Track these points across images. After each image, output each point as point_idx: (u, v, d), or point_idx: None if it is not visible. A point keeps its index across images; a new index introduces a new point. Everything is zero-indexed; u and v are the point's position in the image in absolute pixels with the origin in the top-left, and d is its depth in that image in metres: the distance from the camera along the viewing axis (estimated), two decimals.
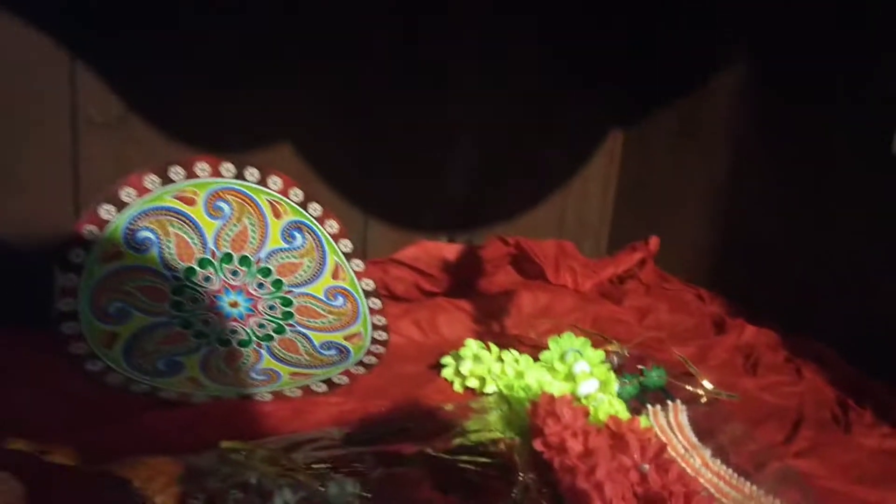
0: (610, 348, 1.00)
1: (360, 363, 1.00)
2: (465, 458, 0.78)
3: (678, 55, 1.38)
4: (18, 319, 0.92)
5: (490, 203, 1.36)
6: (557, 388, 0.89)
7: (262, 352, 0.99)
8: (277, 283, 1.05)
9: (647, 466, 0.71)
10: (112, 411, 0.84)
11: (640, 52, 1.41)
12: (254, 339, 1.00)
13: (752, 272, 1.28)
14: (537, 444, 0.75)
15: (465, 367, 0.95)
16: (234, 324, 1.00)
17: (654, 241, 1.40)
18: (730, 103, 1.29)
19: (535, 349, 1.00)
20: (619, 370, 0.97)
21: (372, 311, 1.09)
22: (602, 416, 0.82)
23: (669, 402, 0.90)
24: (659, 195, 1.44)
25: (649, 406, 0.89)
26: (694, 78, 1.36)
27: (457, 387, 0.96)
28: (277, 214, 1.07)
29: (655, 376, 0.96)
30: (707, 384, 0.99)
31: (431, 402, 0.92)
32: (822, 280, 1.17)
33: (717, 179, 1.33)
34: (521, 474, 0.75)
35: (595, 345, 0.99)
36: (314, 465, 0.74)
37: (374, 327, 1.07)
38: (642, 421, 0.81)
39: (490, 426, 0.86)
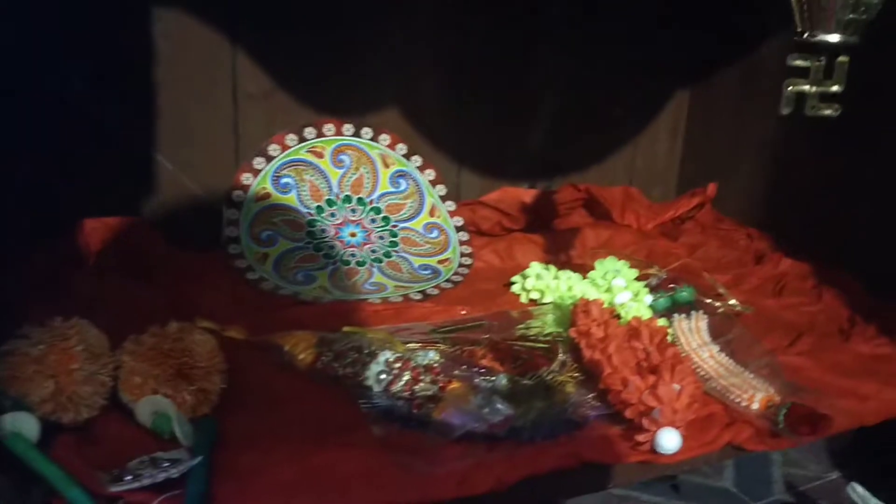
0: (650, 271, 1.23)
1: (449, 280, 1.28)
2: (519, 343, 1.05)
3: (739, 19, 1.54)
4: (197, 244, 1.25)
5: (567, 154, 1.58)
6: (597, 297, 1.14)
7: (374, 270, 1.27)
8: (386, 219, 1.33)
9: (651, 348, 0.95)
10: (266, 307, 1.15)
11: (705, 18, 1.57)
12: (368, 260, 1.28)
13: (797, 214, 1.44)
14: (571, 332, 1.01)
15: (529, 283, 1.21)
16: (353, 249, 1.29)
17: (711, 187, 1.59)
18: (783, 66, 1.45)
19: (585, 271, 1.24)
20: (655, 288, 1.20)
21: (460, 242, 1.36)
22: (630, 318, 1.06)
23: (693, 312, 1.13)
24: (720, 146, 1.62)
25: (675, 315, 1.12)
26: (753, 41, 1.52)
27: (522, 298, 1.22)
28: (386, 164, 1.35)
29: (685, 293, 1.18)
30: (732, 301, 1.20)
31: (502, 309, 1.18)
32: (856, 221, 1.33)
33: (769, 133, 1.50)
34: (560, 354, 1.01)
35: (638, 269, 1.22)
36: (408, 343, 1.03)
37: (462, 255, 1.34)
38: (659, 322, 1.05)
39: (546, 325, 1.12)
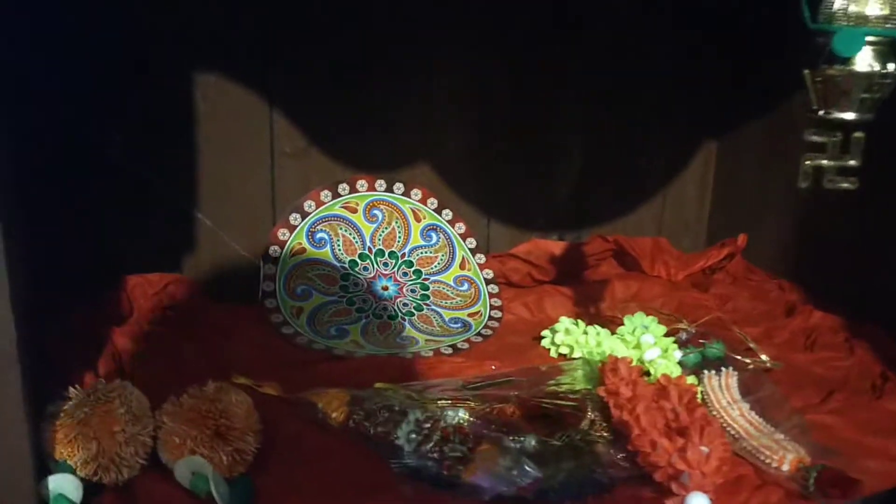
0: (680, 326, 1.24)
1: (479, 334, 1.30)
2: (549, 400, 1.06)
3: (767, 76, 1.56)
4: (236, 299, 1.29)
5: (595, 206, 1.59)
6: (626, 354, 1.15)
7: (406, 323, 1.30)
8: (417, 272, 1.36)
9: (680, 408, 0.95)
10: (300, 361, 1.18)
11: (735, 73, 1.59)
12: (399, 314, 1.31)
13: (827, 265, 1.43)
14: (600, 391, 1.02)
15: (559, 338, 1.22)
16: (385, 302, 1.32)
17: (742, 238, 1.59)
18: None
19: (619, 326, 1.25)
20: (685, 343, 1.21)
21: (490, 294, 1.38)
22: (658, 376, 1.07)
23: (724, 369, 1.13)
24: (750, 196, 1.62)
25: (706, 371, 1.12)
26: (781, 93, 1.53)
27: (552, 353, 1.23)
28: (418, 219, 1.38)
29: (715, 349, 1.19)
30: (763, 356, 1.21)
31: (531, 364, 1.19)
32: (888, 272, 1.33)
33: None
34: (589, 413, 1.02)
35: (667, 323, 1.23)
36: (439, 401, 1.04)
37: (492, 307, 1.36)
38: (688, 379, 1.06)
39: (575, 381, 1.13)
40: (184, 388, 0.92)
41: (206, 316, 1.23)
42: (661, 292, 1.45)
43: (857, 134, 0.77)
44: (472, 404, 1.03)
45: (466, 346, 1.26)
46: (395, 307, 1.31)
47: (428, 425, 0.92)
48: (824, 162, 0.77)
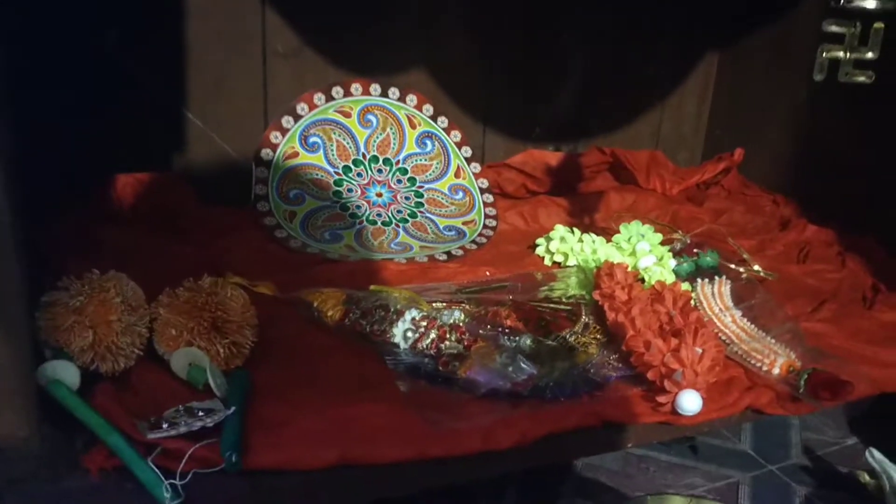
0: (675, 236, 1.24)
1: (474, 242, 1.29)
2: (543, 305, 1.06)
3: None
4: (227, 200, 1.27)
5: (593, 118, 1.57)
6: (621, 260, 1.15)
7: (400, 230, 1.29)
8: (412, 180, 1.35)
9: (674, 312, 0.96)
10: (294, 264, 1.17)
11: None
12: (393, 220, 1.30)
13: (823, 180, 1.43)
14: (595, 294, 1.02)
15: (553, 246, 1.22)
16: (379, 209, 1.31)
17: (738, 152, 1.58)
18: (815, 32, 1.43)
19: (609, 234, 1.24)
20: (679, 252, 1.21)
21: (485, 204, 1.37)
22: (653, 282, 1.07)
23: (717, 277, 1.13)
24: (748, 111, 1.61)
25: (699, 279, 1.13)
26: (784, 8, 1.50)
27: (546, 261, 1.23)
28: (413, 125, 1.36)
29: (709, 258, 1.19)
30: (756, 267, 1.21)
31: (526, 271, 1.19)
32: (883, 186, 1.33)
33: (800, 98, 1.48)
34: (583, 316, 1.02)
35: (663, 234, 1.23)
36: (434, 303, 1.04)
37: (487, 216, 1.35)
38: (683, 286, 1.06)
39: (569, 287, 1.13)
40: (179, 282, 0.91)
41: (199, 216, 1.22)
42: (657, 204, 1.45)
43: (878, 24, 0.74)
44: (468, 307, 1.03)
45: (461, 252, 1.26)
46: (390, 214, 1.30)
47: (424, 324, 0.92)
48: (841, 54, 0.75)
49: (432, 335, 0.91)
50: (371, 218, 1.29)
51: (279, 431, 0.78)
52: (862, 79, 0.77)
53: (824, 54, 0.76)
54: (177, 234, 1.16)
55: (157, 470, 0.71)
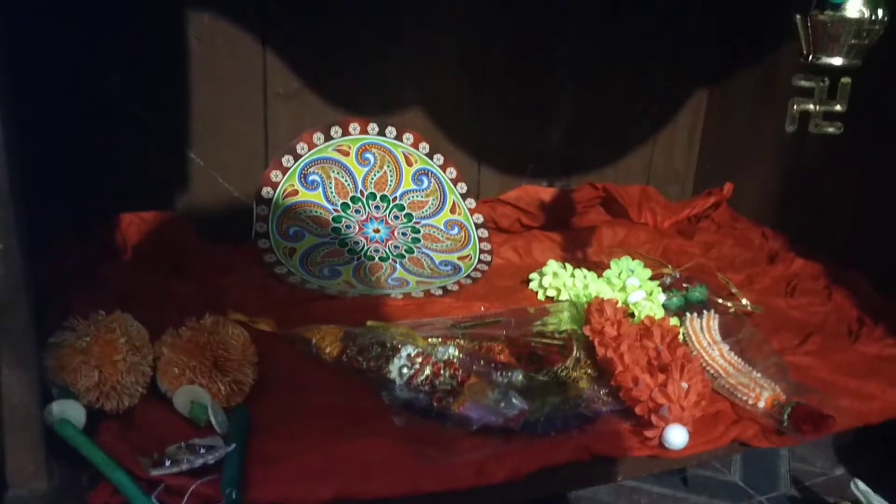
0: (664, 270, 1.27)
1: (469, 277, 1.32)
2: (536, 339, 1.09)
3: (757, 28, 1.56)
4: (229, 239, 1.30)
5: (585, 153, 1.61)
6: (611, 296, 1.18)
7: (397, 266, 1.32)
8: (409, 216, 1.38)
9: (662, 347, 0.99)
10: (293, 300, 1.20)
11: (726, 24, 1.60)
12: (391, 256, 1.33)
13: (810, 214, 1.46)
14: (586, 330, 1.05)
15: (546, 281, 1.25)
16: (377, 245, 1.34)
17: (727, 187, 1.62)
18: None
19: (601, 270, 1.28)
20: (669, 287, 1.24)
21: (480, 239, 1.41)
22: (643, 317, 1.10)
23: (705, 312, 1.16)
24: (737, 146, 1.64)
25: (688, 314, 1.15)
26: (771, 45, 1.54)
27: (540, 296, 1.26)
28: (410, 163, 1.39)
29: (698, 293, 1.22)
30: (744, 301, 1.24)
31: (519, 306, 1.22)
32: (866, 222, 1.36)
33: (786, 135, 1.51)
34: (575, 351, 1.05)
35: (653, 268, 1.26)
36: (429, 338, 1.07)
37: (481, 251, 1.38)
38: (672, 321, 1.09)
39: (561, 322, 1.16)
40: (181, 321, 0.95)
41: (200, 255, 1.25)
42: (648, 238, 1.48)
43: (845, 79, 0.79)
44: (462, 342, 1.06)
45: (456, 287, 1.29)
46: (387, 249, 1.34)
47: (419, 360, 0.95)
48: (811, 106, 0.79)
49: (427, 371, 0.94)
50: (369, 254, 1.32)
51: (278, 467, 0.80)
52: (831, 130, 0.81)
53: (795, 107, 0.79)
54: (179, 271, 1.19)
55: None
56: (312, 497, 0.78)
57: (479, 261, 1.36)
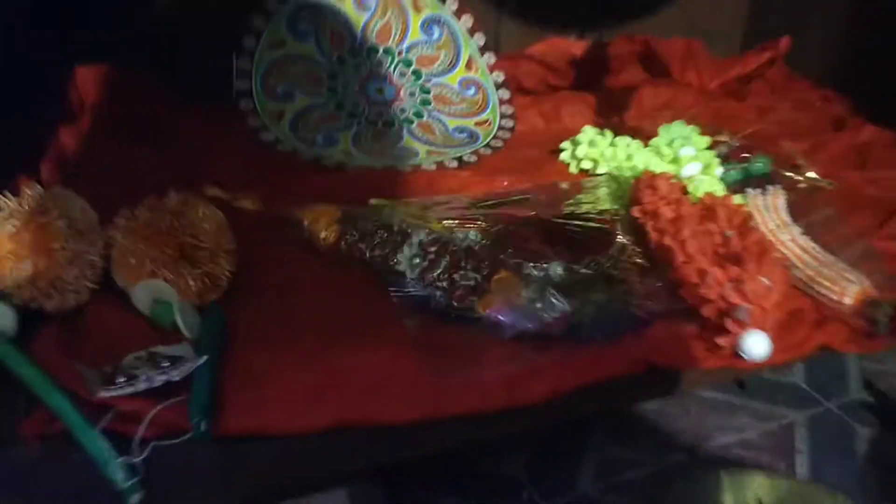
0: (720, 138, 1.08)
1: (488, 146, 1.13)
2: (572, 222, 0.91)
3: None
4: (204, 97, 1.10)
5: (618, 1, 1.39)
6: (662, 169, 0.99)
7: (404, 132, 1.13)
8: (417, 73, 1.17)
9: (731, 232, 0.81)
10: (282, 173, 1.02)
11: None
12: (396, 121, 1.13)
13: (880, 74, 1.27)
14: (635, 211, 0.87)
15: (581, 151, 1.06)
16: (380, 107, 1.14)
17: (784, 42, 1.39)
18: None
19: (650, 139, 1.08)
20: (726, 158, 1.05)
21: (501, 101, 1.20)
22: (701, 194, 0.92)
23: (769, 187, 0.98)
24: None
25: (749, 189, 0.97)
26: None
27: (572, 168, 1.07)
28: (418, 8, 1.17)
29: (760, 164, 1.03)
30: (811, 174, 1.05)
31: (549, 180, 1.04)
32: None
33: None
34: (619, 236, 0.87)
35: (706, 135, 1.06)
36: (444, 221, 0.89)
37: (502, 116, 1.18)
38: (735, 198, 0.91)
39: (599, 201, 0.98)
40: (141, 198, 0.76)
41: (171, 116, 1.05)
42: (695, 101, 1.27)
43: None
44: (484, 225, 0.88)
45: (474, 158, 1.10)
46: (392, 113, 1.14)
47: (434, 248, 0.78)
48: None
49: (444, 262, 0.76)
50: (370, 118, 1.12)
51: (260, 386, 0.64)
52: None
53: None
54: (143, 138, 0.99)
55: (108, 442, 0.58)
56: (304, 424, 0.63)
57: (500, 127, 1.17)
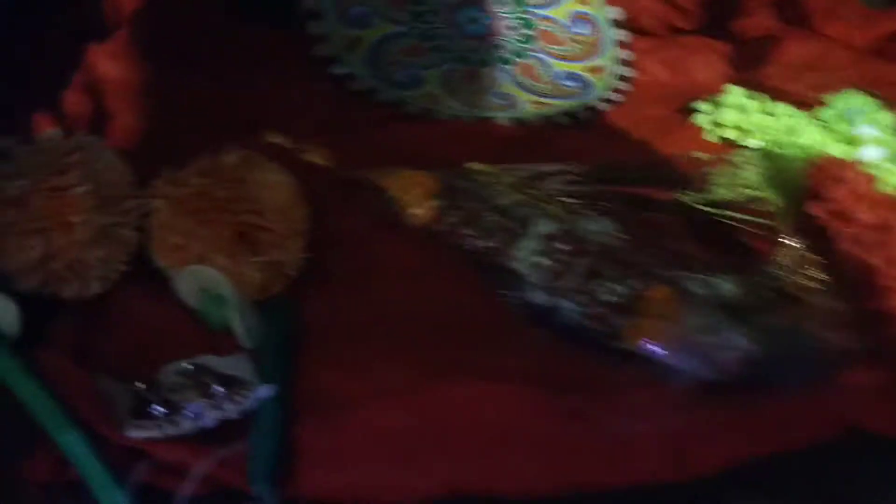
0: None
1: (605, 99, 0.94)
2: (726, 213, 0.72)
3: None
4: (263, 18, 0.92)
5: None
6: (833, 150, 0.79)
7: (501, 74, 0.93)
8: (518, 2, 0.97)
9: None
10: (357, 118, 0.84)
11: None
12: (492, 59, 0.94)
13: None
14: (815, 209, 0.68)
15: (727, 116, 0.86)
16: (473, 42, 0.94)
17: None
18: None
19: (798, 105, 0.88)
20: None
21: (619, 44, 1.00)
22: (889, 188, 0.72)
23: None
24: None
25: None
26: None
27: (711, 136, 0.87)
28: None
29: None
30: None
31: (679, 149, 0.85)
32: None
33: None
34: (786, 239, 0.68)
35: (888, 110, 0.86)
36: (562, 199, 0.71)
37: (620, 62, 0.99)
38: None
39: (745, 183, 0.78)
40: (188, 153, 0.59)
41: (223, 41, 0.87)
42: (849, 61, 1.05)
43: None
44: (614, 207, 0.70)
45: (588, 114, 0.91)
46: (487, 50, 0.94)
47: (565, 246, 0.59)
48: None
49: (579, 267, 0.58)
50: (462, 54, 0.93)
51: (342, 430, 0.48)
52: None
53: None
54: (190, 66, 0.81)
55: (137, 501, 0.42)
56: (404, 491, 0.46)
57: (619, 76, 0.97)
